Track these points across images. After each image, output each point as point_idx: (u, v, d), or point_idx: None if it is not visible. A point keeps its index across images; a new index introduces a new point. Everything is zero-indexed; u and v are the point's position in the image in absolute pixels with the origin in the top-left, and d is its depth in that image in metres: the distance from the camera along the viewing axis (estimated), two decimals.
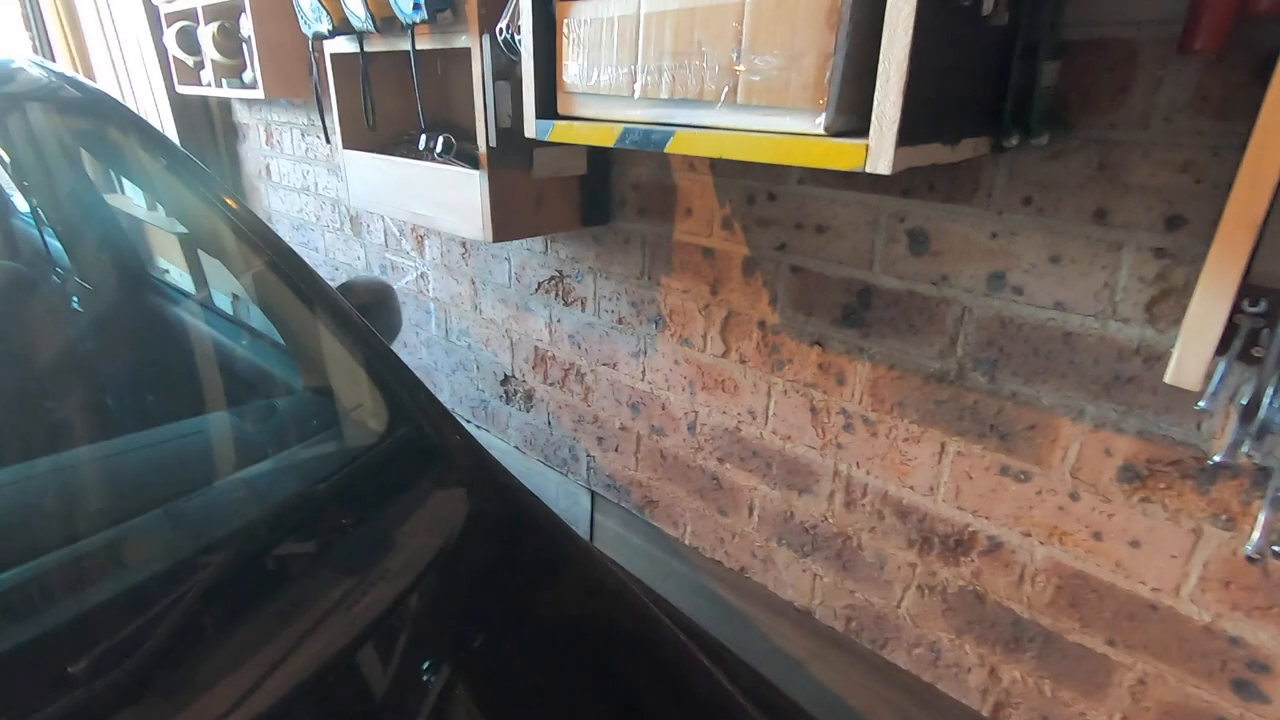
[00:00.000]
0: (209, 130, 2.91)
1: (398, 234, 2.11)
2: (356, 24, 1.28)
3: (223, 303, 2.11)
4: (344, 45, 1.45)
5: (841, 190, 1.10)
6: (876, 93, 0.65)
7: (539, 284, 1.70)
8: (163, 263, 2.91)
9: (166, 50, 2.58)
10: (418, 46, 1.25)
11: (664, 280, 1.41)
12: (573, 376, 1.70)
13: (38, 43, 3.75)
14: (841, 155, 0.67)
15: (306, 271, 1.35)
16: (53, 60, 3.68)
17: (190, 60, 2.52)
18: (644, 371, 1.52)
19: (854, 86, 0.69)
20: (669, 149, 0.82)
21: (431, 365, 2.19)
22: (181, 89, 2.62)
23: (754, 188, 1.21)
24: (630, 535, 1.71)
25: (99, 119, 1.45)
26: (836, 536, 1.28)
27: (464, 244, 1.88)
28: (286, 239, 2.74)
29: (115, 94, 3.24)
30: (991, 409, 1.02)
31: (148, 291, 2.01)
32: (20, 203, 2.18)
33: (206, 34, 2.30)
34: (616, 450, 1.66)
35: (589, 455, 1.74)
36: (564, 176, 1.36)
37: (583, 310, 1.61)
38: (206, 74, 2.44)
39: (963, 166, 0.96)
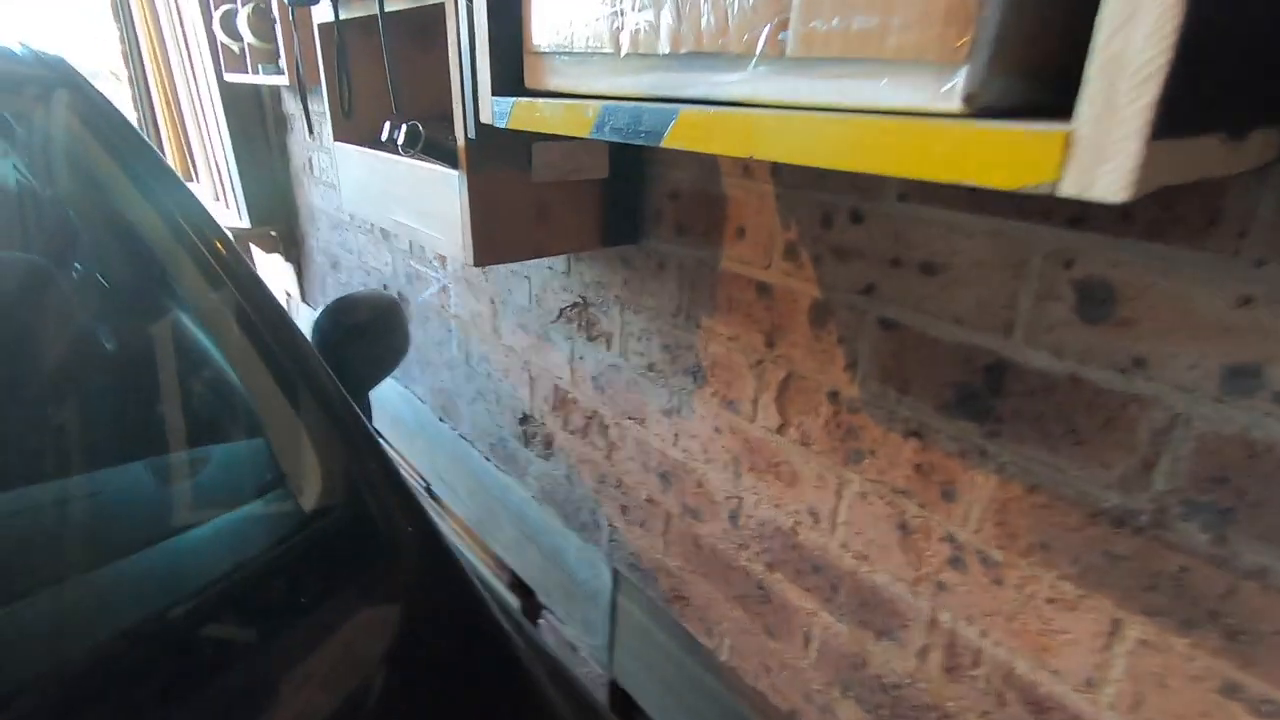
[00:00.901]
0: (259, 122, 2.78)
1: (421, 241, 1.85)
2: None
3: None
4: (327, 13, 1.17)
5: (967, 213, 0.71)
6: (1103, 21, 0.28)
7: (560, 311, 1.38)
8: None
9: (215, 36, 2.44)
10: (389, 8, 0.95)
11: (705, 321, 1.06)
12: (595, 427, 1.37)
13: (125, 34, 3.78)
14: (1009, 156, 0.30)
15: (260, 297, 1.09)
16: (137, 49, 3.71)
17: (235, 46, 2.37)
18: (677, 435, 1.17)
19: (1029, 20, 0.33)
20: (668, 141, 0.47)
21: (453, 390, 1.92)
22: (229, 77, 2.48)
23: (831, 203, 0.84)
24: (656, 630, 1.36)
25: (77, 115, 1.25)
26: (929, 710, 0.88)
27: None
28: (324, 239, 2.55)
29: (183, 83, 3.18)
30: (1214, 586, 0.61)
31: (161, 291, 1.83)
32: (45, 193, 2.05)
33: (244, 16, 2.12)
34: (642, 526, 1.32)
35: (611, 525, 1.41)
36: (577, 180, 1.02)
37: (607, 349, 1.27)
38: (249, 59, 2.27)
39: (1193, 185, 0.55)
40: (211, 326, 1.13)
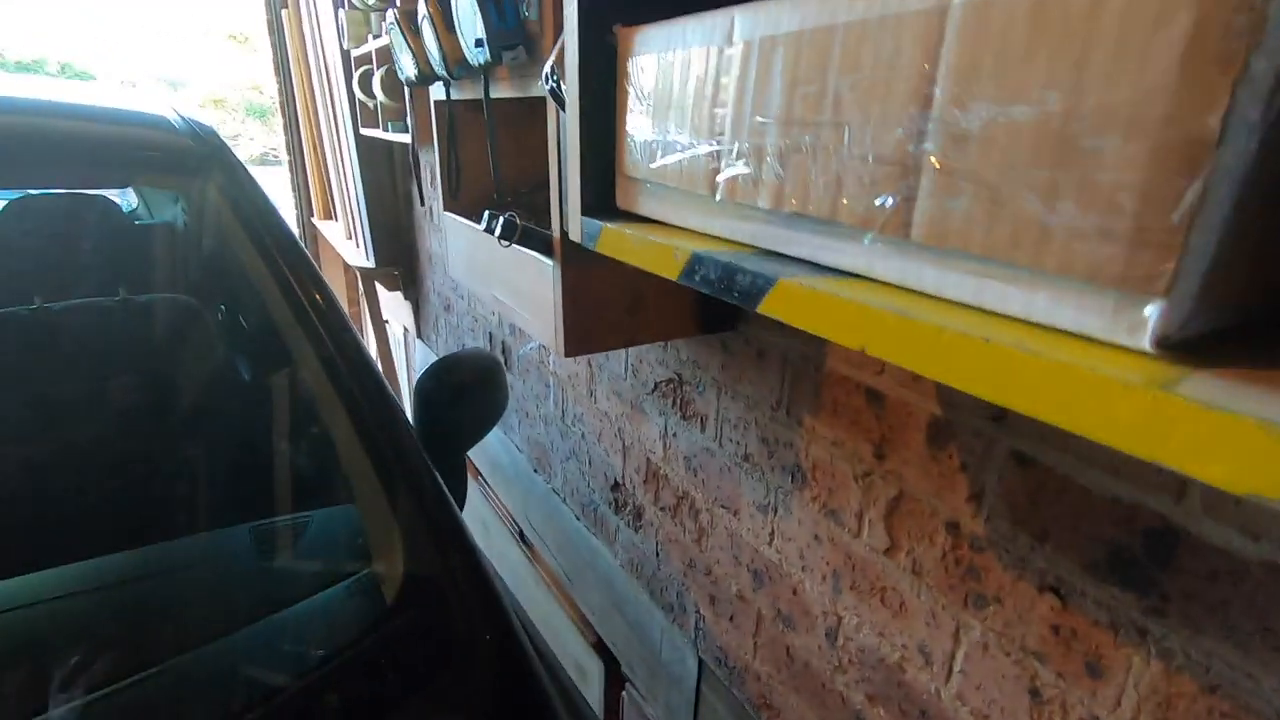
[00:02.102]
0: (389, 170, 2.95)
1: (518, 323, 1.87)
2: (436, 69, 1.02)
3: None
4: (441, 92, 1.21)
5: None
6: None
7: (656, 384, 1.33)
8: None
9: (354, 94, 2.62)
10: (495, 95, 0.95)
11: (806, 420, 0.97)
12: (686, 509, 1.31)
13: (281, 85, 4.17)
14: (1233, 447, 0.22)
15: (360, 365, 1.11)
16: (291, 103, 4.08)
17: (370, 103, 2.53)
18: (773, 534, 1.08)
19: (1255, 237, 0.24)
20: (765, 309, 0.41)
21: (548, 444, 1.92)
22: (364, 131, 2.66)
23: None
24: None
25: (209, 175, 1.36)
26: None
27: None
28: (439, 284, 2.66)
29: (327, 136, 3.45)
30: None
31: (290, 334, 1.96)
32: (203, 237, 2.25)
33: (377, 77, 2.26)
34: (731, 621, 1.23)
35: (699, 612, 1.33)
36: None
37: (702, 430, 1.21)
38: (380, 116, 2.43)
39: None
40: (318, 394, 1.16)
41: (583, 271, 0.90)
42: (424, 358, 3.21)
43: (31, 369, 1.54)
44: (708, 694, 1.36)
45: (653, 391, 1.34)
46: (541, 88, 0.67)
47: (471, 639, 0.86)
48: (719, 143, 0.44)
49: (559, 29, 0.79)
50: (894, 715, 0.91)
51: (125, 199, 2.42)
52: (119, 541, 1.05)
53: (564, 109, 0.68)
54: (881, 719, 0.94)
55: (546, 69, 0.64)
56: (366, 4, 2.30)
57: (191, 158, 1.41)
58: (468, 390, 1.28)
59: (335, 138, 3.21)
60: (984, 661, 0.78)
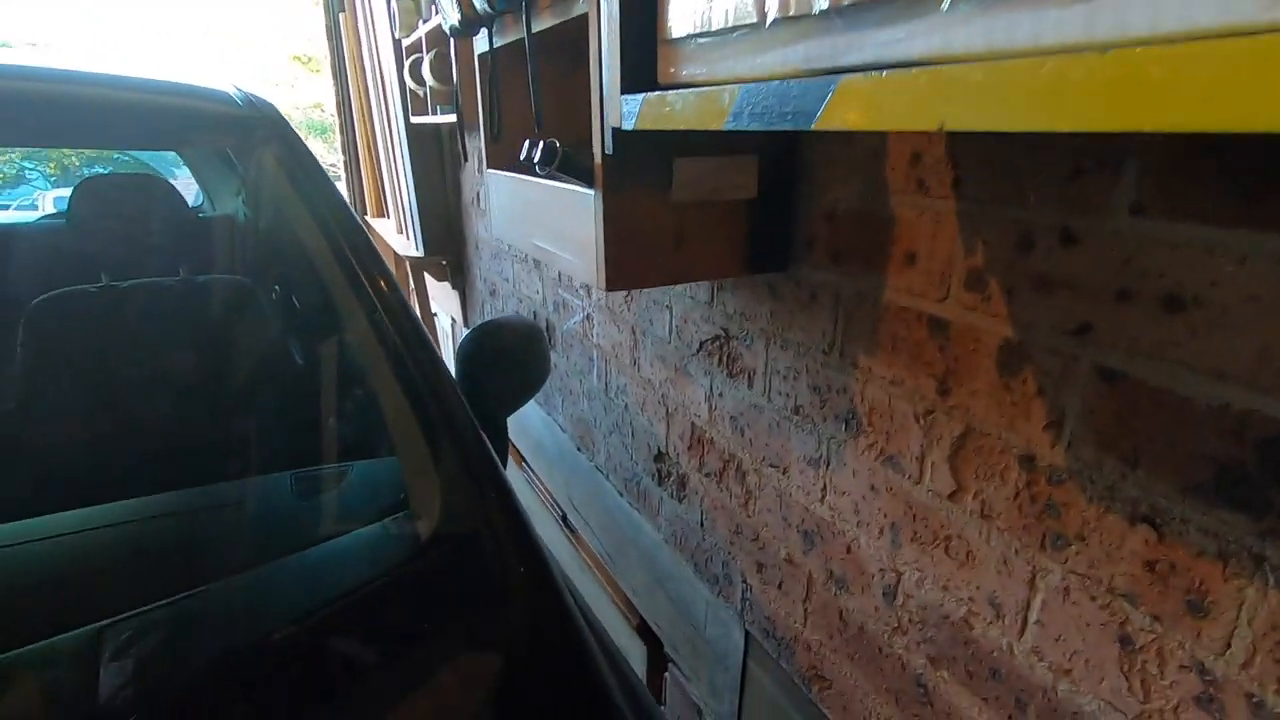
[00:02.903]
0: (438, 160, 3.00)
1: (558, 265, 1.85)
2: (479, 5, 1.00)
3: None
4: (484, 43, 1.19)
5: (1239, 229, 0.53)
6: None
7: (701, 343, 1.28)
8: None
9: (405, 83, 2.67)
10: (536, 28, 0.92)
11: (862, 361, 0.91)
12: (732, 472, 1.25)
13: (338, 87, 4.29)
14: None
15: (405, 321, 1.11)
16: (347, 103, 4.20)
17: (420, 90, 2.57)
18: (824, 489, 1.02)
19: None
20: (823, 122, 0.36)
21: (591, 420, 1.88)
22: (415, 119, 2.70)
23: (1033, 221, 0.68)
24: (791, 710, 1.20)
25: (268, 146, 1.38)
26: None
27: None
28: (484, 268, 2.67)
29: (379, 127, 3.53)
30: None
31: (341, 314, 1.99)
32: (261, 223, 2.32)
33: (426, 62, 2.29)
34: (780, 588, 1.17)
35: (745, 581, 1.27)
36: (720, 201, 0.93)
37: (749, 386, 1.16)
38: (429, 101, 2.46)
39: None
40: (362, 350, 1.16)
41: (625, 200, 0.87)
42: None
43: (100, 341, 1.59)
44: (754, 669, 1.30)
45: (697, 351, 1.30)
46: None
47: (505, 573, 0.82)
48: None
49: None
50: (960, 677, 0.84)
51: (193, 195, 2.50)
52: (170, 485, 1.06)
53: None
54: (946, 682, 0.86)
55: None
56: None
57: (249, 125, 1.43)
58: (508, 354, 1.26)
59: (387, 131, 3.28)
60: (1064, 609, 0.70)
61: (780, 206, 0.97)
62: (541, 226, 1.10)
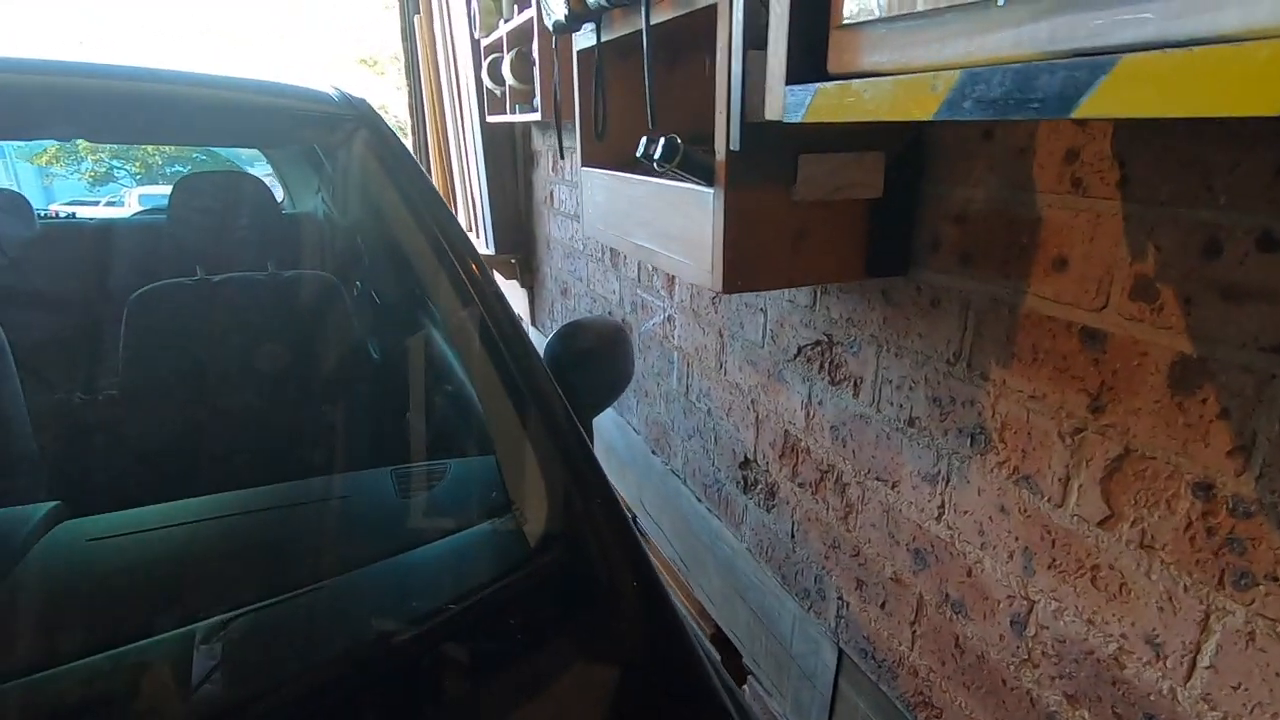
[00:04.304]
0: (511, 159, 3.02)
1: (650, 268, 1.82)
2: (591, 1, 0.98)
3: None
4: (588, 39, 1.17)
5: None
6: None
7: (799, 349, 1.23)
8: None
9: (481, 83, 2.70)
10: (655, 20, 0.90)
11: (994, 373, 0.85)
12: (830, 483, 1.20)
13: (411, 88, 4.39)
14: None
15: (506, 322, 1.09)
16: (420, 104, 4.28)
17: (498, 90, 2.59)
18: (942, 507, 0.96)
19: None
20: (1088, 109, 0.32)
21: (668, 424, 1.85)
22: (491, 118, 2.72)
23: (1222, 224, 0.61)
24: None
25: (366, 142, 1.39)
26: None
27: None
28: (557, 267, 2.67)
29: (453, 129, 3.59)
30: None
31: (419, 310, 2.02)
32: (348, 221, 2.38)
33: (507, 61, 2.30)
34: (882, 608, 1.11)
35: (841, 598, 1.21)
36: (842, 199, 0.89)
37: (855, 395, 1.10)
38: (508, 101, 2.47)
39: None
40: (460, 346, 1.15)
41: (746, 198, 0.83)
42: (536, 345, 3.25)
43: (195, 332, 1.64)
44: (847, 689, 1.24)
45: (795, 357, 1.25)
46: None
47: (617, 586, 0.80)
48: None
49: None
50: (1105, 718, 0.77)
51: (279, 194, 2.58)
52: (260, 478, 1.08)
53: None
54: None
55: None
56: None
57: (346, 121, 1.45)
58: (593, 355, 1.24)
59: (460, 129, 3.32)
60: (1245, 655, 0.63)
61: (903, 207, 0.92)
62: (645, 225, 1.07)
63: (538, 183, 2.81)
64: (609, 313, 2.19)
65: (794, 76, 0.52)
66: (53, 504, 0.89)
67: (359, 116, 1.40)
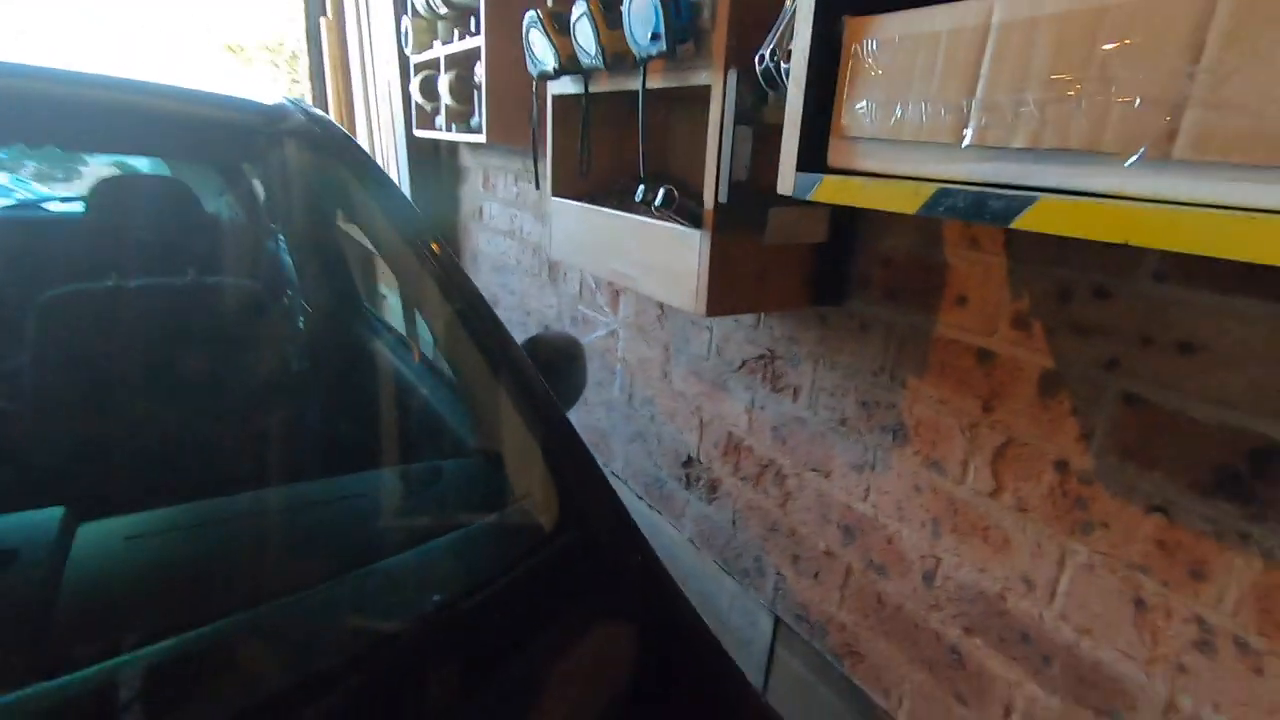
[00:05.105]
0: (435, 172, 3.07)
1: (593, 286, 1.99)
2: (585, 60, 1.14)
3: (420, 343, 2.11)
4: (567, 86, 1.33)
5: (1242, 296, 0.73)
6: None
7: (743, 362, 1.45)
8: (384, 291, 3.07)
9: (410, 97, 2.75)
10: (649, 85, 1.07)
11: (912, 382, 1.10)
12: (770, 476, 1.42)
13: (315, 89, 4.27)
14: None
15: (494, 327, 1.22)
16: (324, 105, 4.19)
17: (429, 106, 2.66)
18: (868, 490, 1.20)
19: None
20: (1020, 223, 0.53)
21: (608, 429, 2.02)
22: (418, 132, 2.77)
23: (1071, 279, 0.87)
24: (819, 685, 1.37)
25: (337, 158, 1.45)
26: None
27: (661, 305, 1.69)
28: (485, 280, 2.77)
29: (364, 135, 3.57)
30: None
31: (356, 321, 2.05)
32: (269, 229, 2.35)
33: (444, 82, 2.39)
34: (815, 578, 1.34)
35: (778, 573, 1.43)
36: (797, 244, 1.10)
37: (794, 400, 1.33)
38: (440, 119, 2.55)
39: None
40: (457, 350, 1.25)
41: (727, 240, 1.02)
42: None
43: (106, 340, 1.61)
44: (781, 652, 1.46)
45: (739, 368, 1.46)
46: (756, 69, 0.80)
47: (622, 560, 0.96)
48: (969, 102, 0.57)
49: (733, 25, 0.92)
50: (992, 643, 1.03)
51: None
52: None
53: (773, 88, 0.81)
54: (980, 648, 1.05)
55: (765, 52, 0.77)
56: (435, 12, 2.43)
57: (290, 127, 1.49)
58: (551, 368, 1.39)
59: (378, 138, 3.32)
60: (1088, 581, 0.90)
61: (843, 250, 1.15)
62: (624, 255, 1.24)
63: (466, 197, 2.89)
64: (546, 326, 2.32)
65: (803, 165, 0.72)
66: None
67: (322, 131, 1.46)
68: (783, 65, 0.75)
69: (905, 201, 0.61)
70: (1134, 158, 0.47)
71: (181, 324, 1.73)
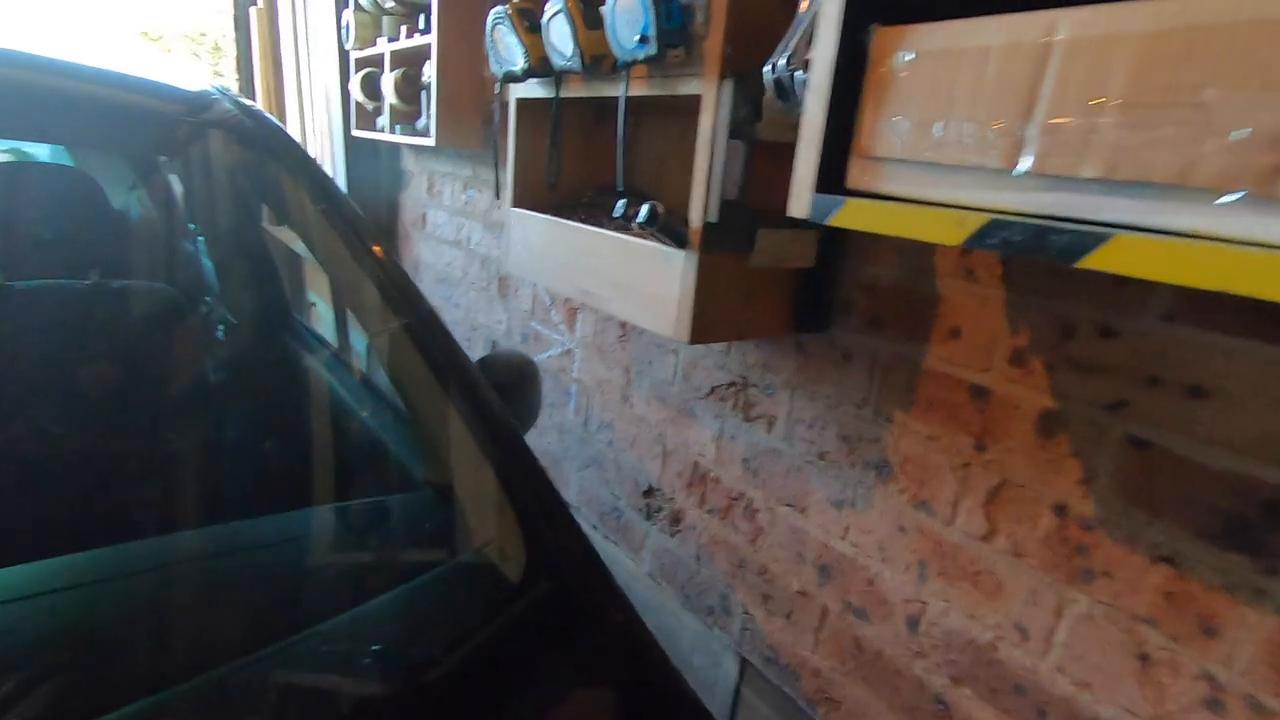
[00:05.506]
0: (374, 174, 2.90)
1: (547, 303, 1.88)
2: (559, 62, 1.05)
3: (358, 359, 1.95)
4: (533, 90, 1.24)
5: (1253, 339, 0.71)
6: None
7: (713, 388, 1.37)
8: (313, 299, 2.86)
9: (350, 94, 2.58)
10: (631, 93, 0.99)
11: (898, 417, 1.05)
12: (740, 509, 1.35)
13: (242, 82, 4.01)
14: None
15: (448, 345, 1.10)
16: (250, 94, 3.93)
17: (370, 105, 2.50)
18: (848, 528, 1.14)
19: None
20: (1090, 261, 0.47)
21: (560, 454, 1.91)
22: (357, 132, 2.60)
23: (1075, 315, 0.84)
24: None
25: (272, 154, 1.31)
26: None
27: (623, 325, 1.61)
28: (427, 292, 2.61)
29: (297, 133, 3.35)
30: None
31: (285, 334, 1.88)
32: (187, 228, 2.15)
33: (389, 80, 2.24)
34: (788, 618, 1.27)
35: (746, 612, 1.36)
36: (781, 269, 1.04)
37: (768, 431, 1.26)
38: (383, 119, 2.39)
39: None
40: (401, 370, 1.13)
41: (714, 261, 0.95)
42: None
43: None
44: (748, 696, 1.38)
45: (708, 395, 1.39)
46: (767, 78, 0.73)
47: (602, 618, 0.86)
48: (1025, 125, 0.51)
49: (729, 31, 0.85)
50: (981, 692, 0.98)
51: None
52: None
53: (783, 99, 0.74)
54: (968, 700, 1.00)
55: (777, 60, 0.70)
56: (380, 7, 2.29)
57: (243, 131, 1.36)
58: (505, 390, 1.28)
59: (312, 137, 3.12)
60: (1087, 631, 0.86)
61: (828, 276, 1.09)
62: (593, 273, 1.15)
63: (407, 204, 2.73)
64: (493, 343, 2.20)
65: (821, 187, 0.65)
66: None
67: (242, 114, 1.32)
68: (797, 75, 0.68)
69: (947, 231, 0.55)
70: (1233, 196, 0.41)
71: (80, 331, 1.54)
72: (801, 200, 0.66)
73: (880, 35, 0.61)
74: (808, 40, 0.67)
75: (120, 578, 0.84)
